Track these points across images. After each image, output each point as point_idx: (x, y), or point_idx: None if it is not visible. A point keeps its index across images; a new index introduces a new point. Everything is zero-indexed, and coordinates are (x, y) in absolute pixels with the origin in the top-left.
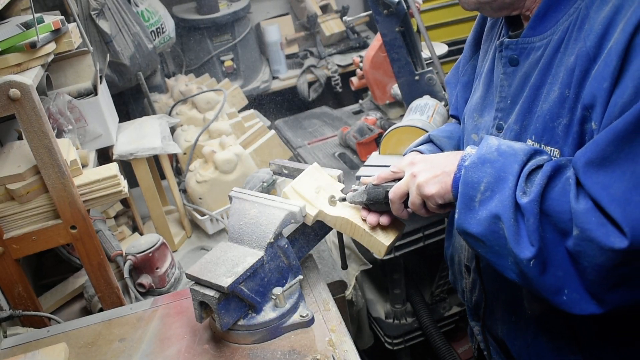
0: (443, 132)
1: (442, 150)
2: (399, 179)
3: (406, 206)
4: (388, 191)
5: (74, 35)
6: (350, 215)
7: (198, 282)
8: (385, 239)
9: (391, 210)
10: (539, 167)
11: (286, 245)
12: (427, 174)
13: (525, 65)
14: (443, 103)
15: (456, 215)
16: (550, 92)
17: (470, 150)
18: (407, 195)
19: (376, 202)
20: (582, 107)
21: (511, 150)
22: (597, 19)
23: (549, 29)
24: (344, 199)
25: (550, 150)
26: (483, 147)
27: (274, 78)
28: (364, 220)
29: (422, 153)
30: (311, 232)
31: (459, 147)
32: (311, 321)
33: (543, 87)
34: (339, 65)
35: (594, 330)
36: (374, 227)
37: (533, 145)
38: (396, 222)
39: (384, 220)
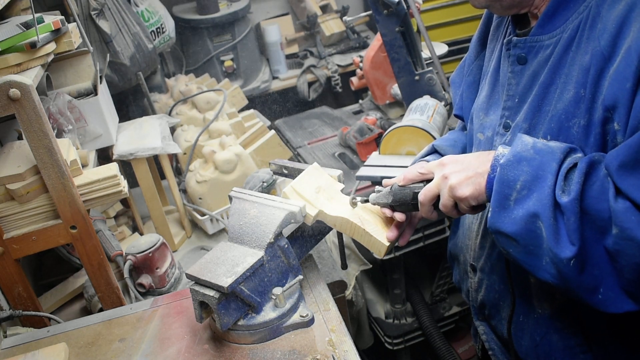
0: (446, 140)
1: None
2: (427, 180)
3: (435, 208)
4: (415, 192)
5: (74, 35)
6: (350, 215)
7: (198, 282)
8: (385, 239)
9: (419, 211)
10: (575, 164)
11: (286, 245)
12: (459, 175)
13: (534, 63)
14: (443, 103)
15: (489, 214)
16: (564, 91)
17: (502, 149)
18: (438, 197)
19: (403, 203)
20: (603, 108)
21: (547, 148)
22: (610, 18)
23: (558, 27)
24: (366, 201)
25: None
26: (518, 145)
27: (274, 78)
28: (388, 219)
29: None
30: (311, 232)
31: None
32: (311, 321)
33: (553, 85)
34: (339, 65)
35: (605, 329)
36: (376, 227)
37: None
38: (397, 222)
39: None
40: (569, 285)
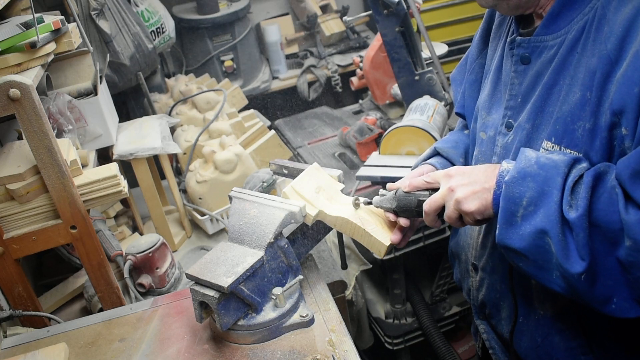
0: (448, 142)
1: (451, 162)
2: (432, 189)
3: (439, 217)
4: (420, 200)
5: (74, 35)
6: (350, 216)
7: (198, 282)
8: (386, 239)
9: (423, 219)
10: (581, 176)
11: (286, 245)
12: (466, 189)
13: (537, 63)
14: (443, 103)
15: (497, 231)
16: (570, 93)
17: (506, 165)
18: (442, 207)
19: (407, 209)
20: (610, 113)
21: (551, 162)
22: (617, 21)
23: (562, 27)
24: (369, 203)
25: (571, 153)
26: (521, 161)
27: (274, 78)
28: (389, 220)
29: (435, 167)
30: (311, 232)
31: (466, 155)
32: (311, 321)
33: (557, 86)
34: (339, 65)
35: (606, 331)
36: (376, 227)
37: (553, 147)
38: (400, 226)
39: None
40: (581, 298)
